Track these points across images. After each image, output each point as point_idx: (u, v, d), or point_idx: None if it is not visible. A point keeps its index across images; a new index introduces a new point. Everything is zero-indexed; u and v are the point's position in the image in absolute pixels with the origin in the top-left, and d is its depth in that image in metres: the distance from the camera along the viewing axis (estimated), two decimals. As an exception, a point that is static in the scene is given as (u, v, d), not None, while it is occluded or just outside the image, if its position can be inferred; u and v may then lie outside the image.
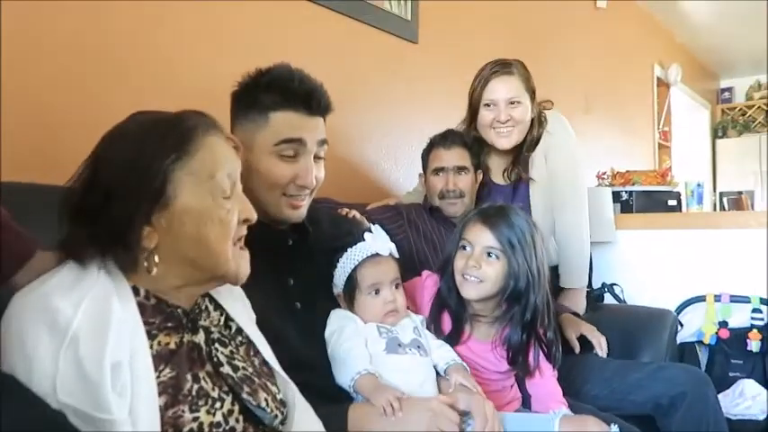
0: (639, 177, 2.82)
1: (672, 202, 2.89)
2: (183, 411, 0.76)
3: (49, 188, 0.93)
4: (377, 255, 1.19)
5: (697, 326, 2.31)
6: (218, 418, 0.79)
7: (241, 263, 0.86)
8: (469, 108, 1.81)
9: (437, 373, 1.19)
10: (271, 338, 0.98)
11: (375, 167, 2.26)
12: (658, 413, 1.49)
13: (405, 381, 1.10)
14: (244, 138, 1.14)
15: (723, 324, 2.26)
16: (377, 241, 1.20)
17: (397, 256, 1.24)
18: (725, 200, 4.76)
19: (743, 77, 6.68)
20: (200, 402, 0.79)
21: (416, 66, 2.43)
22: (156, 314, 0.82)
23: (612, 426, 1.15)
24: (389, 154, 2.30)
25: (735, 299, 2.25)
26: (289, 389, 0.94)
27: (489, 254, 1.24)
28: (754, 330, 2.19)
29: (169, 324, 0.83)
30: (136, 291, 0.80)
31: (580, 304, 1.86)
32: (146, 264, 0.79)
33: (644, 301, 2.24)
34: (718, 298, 2.28)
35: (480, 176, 1.81)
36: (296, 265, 1.20)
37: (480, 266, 1.23)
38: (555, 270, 1.85)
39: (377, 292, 1.18)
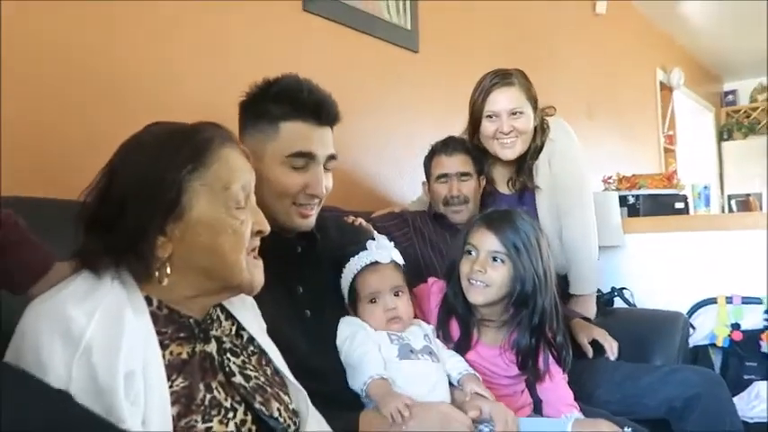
0: (645, 181, 2.80)
1: (679, 205, 2.87)
2: (195, 421, 0.76)
3: (62, 202, 0.93)
4: (376, 263, 1.20)
5: (709, 328, 2.28)
6: (231, 428, 0.79)
7: (255, 272, 0.86)
8: (471, 119, 1.81)
9: (450, 383, 1.19)
10: (281, 347, 0.98)
11: (379, 176, 2.26)
12: (673, 416, 1.47)
13: (418, 386, 1.10)
14: (253, 147, 1.16)
15: (735, 326, 2.24)
16: (378, 249, 1.21)
17: (401, 263, 1.24)
18: (733, 202, 4.74)
19: (746, 80, 6.67)
20: (213, 412, 0.79)
21: (418, 74, 2.44)
22: (169, 324, 0.82)
23: (626, 429, 1.13)
24: (393, 162, 2.31)
25: (746, 300, 2.23)
26: (301, 398, 0.94)
27: (494, 258, 1.24)
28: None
29: (181, 334, 0.83)
30: (149, 301, 0.81)
31: (591, 310, 1.85)
32: (157, 274, 0.79)
33: (654, 305, 2.22)
34: (729, 300, 2.26)
35: (483, 182, 1.81)
36: (305, 273, 1.21)
37: (486, 271, 1.23)
38: (564, 277, 1.84)
39: (375, 299, 1.19)
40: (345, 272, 1.22)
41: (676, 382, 1.49)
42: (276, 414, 0.86)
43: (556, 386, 1.30)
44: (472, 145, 1.80)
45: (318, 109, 1.15)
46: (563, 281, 1.84)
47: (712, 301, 2.29)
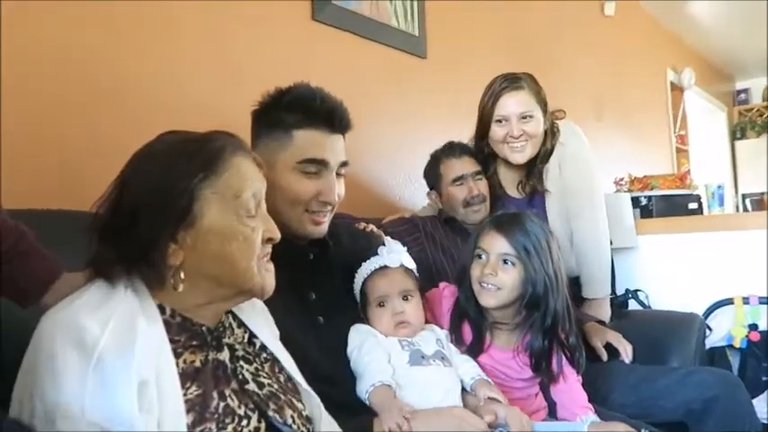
0: (658, 182, 2.79)
1: (692, 206, 2.85)
2: (210, 429, 0.77)
3: (72, 213, 0.95)
4: (385, 267, 1.21)
5: (726, 329, 2.26)
6: None
7: (267, 276, 0.87)
8: (480, 123, 1.80)
9: (463, 389, 1.18)
10: (294, 353, 0.99)
11: (389, 182, 2.27)
12: (691, 419, 1.46)
13: (429, 392, 1.10)
14: (266, 156, 1.17)
15: (753, 327, 2.22)
16: (388, 254, 1.22)
17: (412, 267, 1.25)
18: (747, 201, 4.69)
19: (758, 78, 6.60)
20: (227, 420, 0.79)
21: (426, 80, 2.45)
22: (182, 332, 0.83)
23: (643, 430, 1.12)
24: (402, 168, 2.31)
25: (764, 300, 2.21)
26: (314, 404, 0.94)
27: (505, 261, 1.24)
28: (786, 332, 2.15)
29: (194, 342, 0.83)
30: (162, 309, 0.81)
31: (605, 313, 1.83)
32: (172, 281, 0.80)
33: (670, 307, 2.21)
34: (746, 300, 2.24)
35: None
36: (317, 280, 1.21)
37: (497, 274, 1.23)
38: (576, 281, 1.83)
39: (383, 303, 1.19)
40: (357, 276, 1.23)
41: (693, 383, 1.48)
42: (290, 421, 0.87)
43: (570, 388, 1.30)
44: (477, 147, 1.81)
45: (331, 117, 1.17)
46: (575, 284, 1.83)
47: (729, 301, 2.27)
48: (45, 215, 1.10)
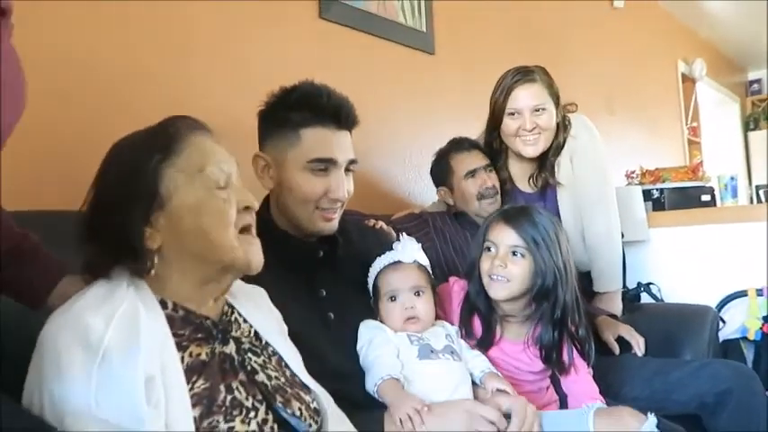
0: (669, 174, 2.76)
1: (705, 198, 2.82)
2: (217, 422, 0.77)
3: (73, 214, 0.96)
4: (399, 262, 1.21)
5: (740, 322, 2.24)
6: (253, 427, 0.80)
7: (250, 249, 0.87)
8: (492, 117, 1.80)
9: (473, 383, 1.19)
10: (305, 349, 0.99)
11: (398, 178, 2.27)
12: (704, 412, 1.45)
13: (439, 385, 1.11)
14: (275, 155, 1.19)
15: (767, 319, 2.19)
16: (402, 249, 1.23)
17: (425, 264, 1.25)
18: (761, 192, 4.63)
19: (771, 68, 6.53)
20: (235, 412, 0.80)
21: (434, 76, 2.44)
22: (186, 325, 0.84)
23: (649, 415, 1.12)
24: (412, 164, 2.31)
25: (778, 292, 2.19)
26: (322, 398, 0.95)
27: (514, 253, 1.24)
28: (801, 324, 2.12)
29: (199, 335, 0.84)
30: (164, 304, 0.82)
31: (616, 307, 1.82)
32: (148, 263, 0.82)
33: (683, 300, 2.19)
34: (760, 292, 2.21)
35: None
36: (327, 277, 1.22)
37: (506, 266, 1.23)
38: (588, 275, 1.82)
39: (395, 297, 1.20)
40: (371, 270, 1.24)
41: (707, 376, 1.47)
42: (298, 413, 0.87)
43: (581, 380, 1.30)
44: (487, 141, 1.82)
45: (338, 113, 1.17)
46: (587, 278, 1.82)
47: (743, 293, 2.25)
48: (46, 216, 1.10)
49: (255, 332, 0.95)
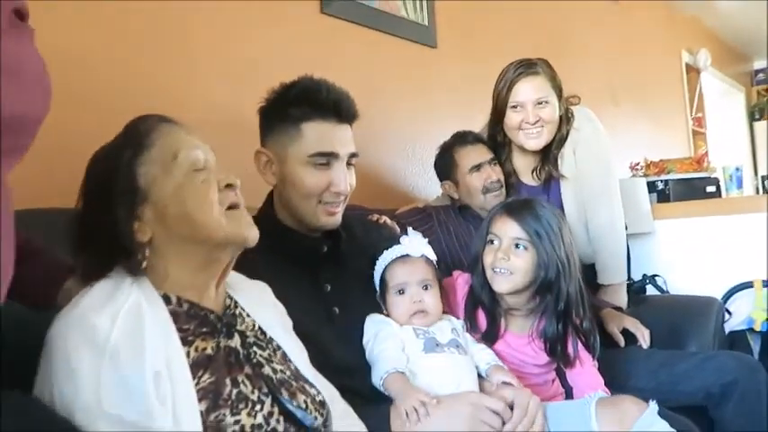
0: (674, 165, 2.76)
1: (710, 189, 2.82)
2: (224, 415, 0.78)
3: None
4: (407, 255, 1.21)
5: (746, 313, 2.23)
6: (260, 419, 0.81)
7: (240, 223, 0.88)
8: (494, 110, 1.79)
9: (479, 376, 1.19)
10: (310, 344, 1.00)
11: (402, 172, 2.27)
12: (710, 403, 1.45)
13: (444, 379, 1.11)
14: (277, 151, 1.19)
15: (774, 310, 2.19)
16: (410, 243, 1.23)
17: (433, 258, 1.25)
18: (767, 183, 4.62)
19: (777, 57, 6.48)
20: (241, 406, 0.80)
21: (437, 70, 2.44)
22: (191, 320, 0.84)
23: (651, 402, 1.12)
24: (415, 158, 2.31)
25: (784, 283, 2.18)
26: (327, 391, 0.95)
27: (517, 245, 1.24)
28: (808, 315, 2.12)
29: (204, 329, 0.85)
30: (168, 300, 0.83)
31: (621, 299, 1.82)
32: (140, 256, 0.83)
33: (688, 291, 2.18)
34: (766, 283, 2.20)
35: None
36: (331, 272, 1.22)
37: (509, 258, 1.23)
38: (592, 267, 1.82)
39: (403, 291, 1.20)
40: (378, 263, 1.24)
41: (712, 368, 1.47)
42: (303, 406, 0.88)
43: (586, 372, 1.30)
44: (490, 135, 1.81)
45: (338, 107, 1.17)
46: (591, 271, 1.82)
47: (748, 285, 2.24)
48: (46, 216, 1.09)
49: (260, 326, 0.95)
